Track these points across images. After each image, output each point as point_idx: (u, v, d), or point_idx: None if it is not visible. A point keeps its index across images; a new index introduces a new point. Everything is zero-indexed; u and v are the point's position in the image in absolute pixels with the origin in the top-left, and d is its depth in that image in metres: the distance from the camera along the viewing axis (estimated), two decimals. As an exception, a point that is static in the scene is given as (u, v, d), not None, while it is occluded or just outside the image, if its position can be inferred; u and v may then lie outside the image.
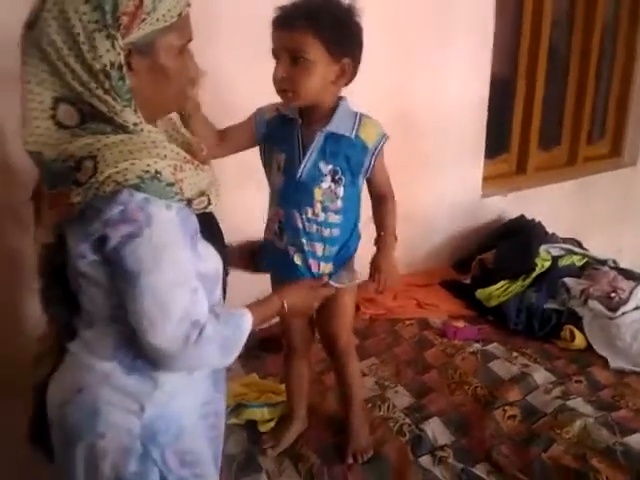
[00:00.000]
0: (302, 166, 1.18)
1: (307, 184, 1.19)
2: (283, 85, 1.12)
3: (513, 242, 2.17)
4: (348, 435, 1.38)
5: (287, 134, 1.20)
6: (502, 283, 2.05)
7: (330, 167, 1.19)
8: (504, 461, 1.34)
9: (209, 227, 0.98)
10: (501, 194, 2.57)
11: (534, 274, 2.04)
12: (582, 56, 2.88)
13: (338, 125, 1.18)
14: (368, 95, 1.86)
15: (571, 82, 2.90)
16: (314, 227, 1.21)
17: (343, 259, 1.27)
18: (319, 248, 1.23)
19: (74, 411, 0.97)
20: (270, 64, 1.13)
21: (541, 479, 1.29)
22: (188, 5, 0.87)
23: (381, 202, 1.31)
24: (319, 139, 1.17)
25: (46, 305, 1.03)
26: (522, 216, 2.46)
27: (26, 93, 0.83)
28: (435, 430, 1.45)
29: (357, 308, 2.06)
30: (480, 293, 2.07)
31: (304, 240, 1.21)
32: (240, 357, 1.33)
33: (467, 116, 2.37)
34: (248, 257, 1.31)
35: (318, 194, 1.19)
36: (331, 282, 1.22)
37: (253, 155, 1.28)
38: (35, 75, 0.82)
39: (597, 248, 2.46)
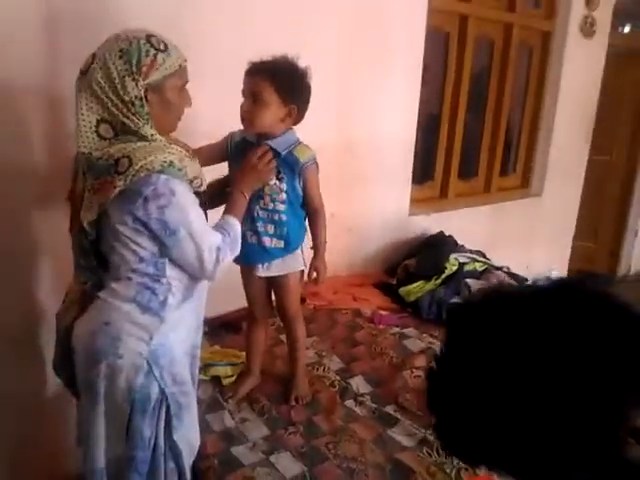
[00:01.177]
0: None
1: None
2: (245, 116, 1.53)
3: (430, 251, 2.67)
4: (292, 385, 1.79)
5: (246, 152, 1.54)
6: (419, 282, 2.53)
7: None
8: (407, 403, 1.78)
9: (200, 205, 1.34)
10: (425, 214, 3.05)
11: (444, 275, 2.53)
12: (496, 103, 3.40)
13: (277, 144, 1.54)
14: (319, 129, 2.31)
15: (487, 124, 3.42)
16: (265, 214, 1.59)
17: (291, 244, 1.63)
18: (270, 228, 1.60)
19: (102, 338, 1.30)
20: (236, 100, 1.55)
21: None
22: (185, 60, 1.29)
23: (313, 215, 1.67)
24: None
25: (81, 274, 1.38)
26: (441, 232, 2.94)
27: (79, 116, 1.26)
28: (358, 384, 1.88)
29: (304, 300, 2.47)
30: (402, 290, 2.54)
31: (258, 224, 1.59)
32: (206, 334, 1.80)
33: (398, 148, 2.83)
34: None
35: (267, 189, 1.56)
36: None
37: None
38: (86, 104, 1.25)
39: (507, 263, 2.89)
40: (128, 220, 1.23)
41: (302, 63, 1.56)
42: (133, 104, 1.22)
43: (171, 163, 1.22)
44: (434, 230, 3.00)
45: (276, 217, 1.61)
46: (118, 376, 1.29)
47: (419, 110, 2.87)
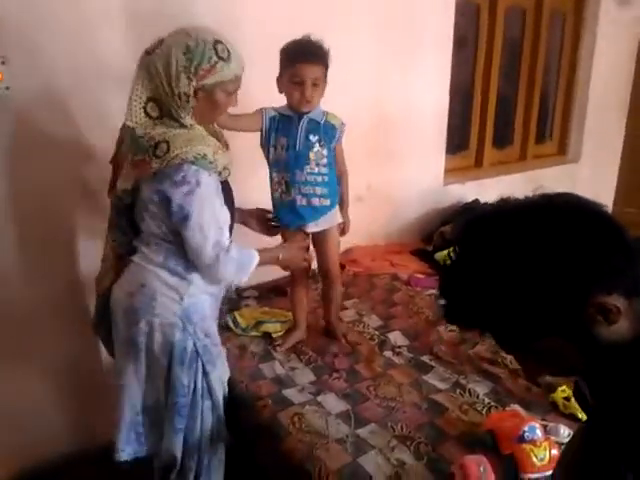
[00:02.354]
0: (299, 141, 1.75)
1: (304, 152, 1.76)
2: (310, 100, 1.70)
3: (465, 216, 2.77)
4: (332, 332, 2.02)
5: (286, 125, 1.76)
6: (452, 249, 2.65)
7: (317, 137, 1.77)
8: (442, 353, 1.92)
9: (226, 192, 1.47)
10: (460, 183, 3.15)
11: (478, 240, 2.64)
12: (530, 72, 3.43)
13: (316, 115, 1.76)
14: (354, 104, 2.46)
15: (521, 92, 3.47)
16: (312, 177, 1.78)
17: (334, 201, 1.87)
18: (317, 189, 1.80)
19: (140, 298, 1.45)
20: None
21: (467, 363, 1.88)
22: (242, 69, 1.39)
23: (342, 175, 1.93)
24: (304, 121, 1.75)
25: (112, 233, 1.53)
26: (477, 199, 3.04)
27: (134, 90, 1.36)
28: (396, 337, 2.03)
29: (343, 267, 2.63)
30: (438, 255, 2.66)
31: (307, 187, 1.79)
32: (256, 298, 2.15)
33: (431, 120, 2.93)
34: (263, 223, 1.84)
35: (312, 156, 1.77)
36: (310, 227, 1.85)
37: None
38: (142, 81, 1.36)
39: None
40: (156, 197, 1.37)
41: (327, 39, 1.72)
42: (180, 98, 1.33)
43: (204, 156, 1.34)
44: (469, 198, 3.09)
45: (320, 179, 1.80)
46: (156, 332, 1.46)
47: (452, 81, 2.95)
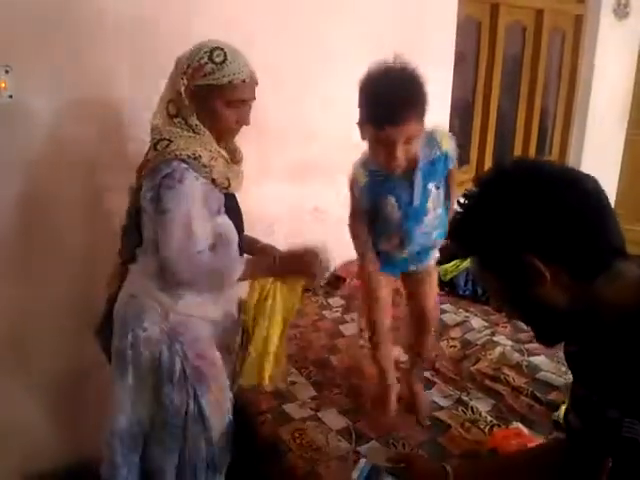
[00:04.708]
0: (415, 196, 1.41)
1: (421, 205, 1.43)
2: (399, 162, 1.31)
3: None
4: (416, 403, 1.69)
5: (386, 183, 1.41)
6: (455, 262, 2.65)
7: (434, 183, 1.43)
8: (444, 369, 1.91)
9: (232, 208, 1.45)
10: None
11: (479, 254, 2.64)
12: (530, 88, 3.47)
13: (427, 154, 1.39)
14: (355, 114, 2.45)
15: (521, 109, 3.49)
16: (430, 225, 1.47)
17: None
18: (434, 233, 1.51)
19: (130, 309, 1.42)
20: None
21: (468, 380, 1.87)
22: (242, 80, 1.34)
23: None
24: (418, 175, 1.39)
25: (122, 235, 1.50)
26: (477, 214, 3.06)
27: (164, 91, 1.42)
28: (399, 352, 2.02)
29: (344, 280, 2.64)
30: (441, 269, 2.66)
31: (425, 237, 1.49)
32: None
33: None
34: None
35: (430, 205, 1.44)
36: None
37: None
38: (168, 82, 1.41)
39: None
40: (148, 195, 1.34)
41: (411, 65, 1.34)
42: (180, 95, 1.35)
43: (197, 157, 1.32)
44: (469, 213, 3.09)
45: (437, 222, 1.50)
46: (143, 347, 1.41)
47: (453, 97, 2.96)
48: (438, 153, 1.42)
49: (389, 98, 1.26)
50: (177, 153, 1.31)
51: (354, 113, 2.33)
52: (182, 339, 1.42)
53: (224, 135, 1.44)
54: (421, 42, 2.71)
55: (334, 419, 1.63)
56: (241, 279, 1.42)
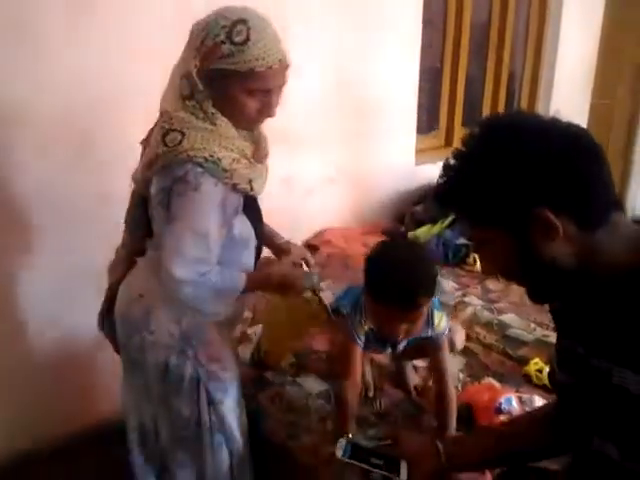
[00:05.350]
0: (398, 351, 1.47)
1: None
2: (401, 338, 1.34)
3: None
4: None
5: (380, 342, 1.43)
6: (427, 226, 2.69)
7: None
8: (417, 331, 1.96)
9: (251, 207, 1.28)
10: (431, 162, 3.17)
11: (449, 219, 2.68)
12: (497, 53, 3.46)
13: (418, 331, 1.35)
14: (323, 85, 2.44)
15: (489, 73, 3.49)
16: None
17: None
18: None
19: (136, 310, 1.28)
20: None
21: (441, 340, 1.92)
22: (269, 67, 1.10)
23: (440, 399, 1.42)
24: (403, 343, 1.42)
25: (128, 225, 1.36)
26: (447, 179, 3.09)
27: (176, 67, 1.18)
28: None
29: (317, 248, 2.66)
30: (410, 235, 2.69)
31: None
32: None
33: (401, 100, 2.92)
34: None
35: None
36: None
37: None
38: (181, 59, 1.17)
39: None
40: (158, 197, 1.19)
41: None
42: (190, 77, 1.14)
43: (215, 161, 1.13)
44: (440, 178, 3.11)
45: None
46: (150, 352, 1.29)
47: (422, 63, 2.95)
48: (430, 334, 1.39)
49: (402, 285, 1.19)
50: (191, 154, 1.12)
51: (321, 80, 2.30)
52: (195, 343, 1.29)
53: (245, 125, 1.24)
54: (389, 8, 2.69)
55: (313, 384, 1.66)
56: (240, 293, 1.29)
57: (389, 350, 1.50)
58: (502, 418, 1.37)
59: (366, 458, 1.10)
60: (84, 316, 1.92)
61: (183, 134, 1.13)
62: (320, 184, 2.72)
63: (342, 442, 1.14)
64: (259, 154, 1.28)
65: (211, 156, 1.12)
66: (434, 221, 2.70)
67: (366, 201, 2.97)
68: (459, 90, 3.32)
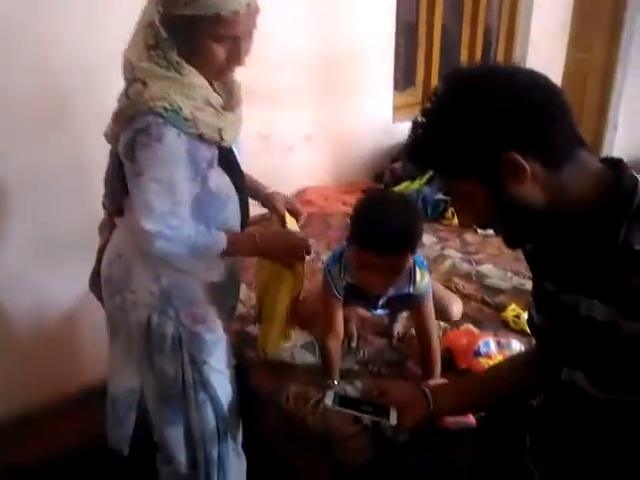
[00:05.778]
0: (378, 310, 1.51)
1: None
2: (381, 290, 1.37)
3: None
4: None
5: (361, 296, 1.43)
6: (406, 183, 2.70)
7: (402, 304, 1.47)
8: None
9: (228, 160, 1.25)
10: (409, 119, 3.15)
11: (427, 175, 2.69)
12: (473, 4, 3.43)
13: (398, 287, 1.37)
14: (296, 40, 2.39)
15: (465, 28, 3.49)
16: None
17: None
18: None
19: (116, 270, 1.29)
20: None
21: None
22: (235, 12, 1.06)
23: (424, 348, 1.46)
24: (383, 299, 1.43)
25: (107, 185, 1.32)
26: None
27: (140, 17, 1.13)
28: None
29: (300, 215, 2.65)
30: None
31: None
32: None
33: (377, 56, 2.89)
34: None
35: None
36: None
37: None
38: (145, 8, 1.13)
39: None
40: (123, 151, 1.16)
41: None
42: (152, 25, 1.10)
43: (176, 110, 1.10)
44: (418, 135, 3.11)
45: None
46: (132, 312, 1.29)
47: (397, 18, 2.91)
48: (412, 291, 1.39)
49: (388, 228, 1.20)
50: (151, 105, 1.08)
51: (296, 34, 2.26)
52: (176, 302, 1.28)
53: (214, 75, 1.20)
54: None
55: (298, 335, 1.69)
56: (223, 256, 1.26)
57: (372, 310, 1.54)
58: (481, 360, 1.42)
59: (355, 406, 1.12)
60: (65, 283, 1.96)
61: (145, 84, 1.11)
62: (299, 142, 2.71)
63: (330, 393, 1.16)
64: (230, 103, 1.25)
65: (171, 105, 1.10)
66: (413, 178, 2.71)
67: (345, 159, 2.97)
68: (435, 46, 3.29)
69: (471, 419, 1.23)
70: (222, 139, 1.19)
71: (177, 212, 1.16)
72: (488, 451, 1.10)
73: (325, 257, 2.21)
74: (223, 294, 1.38)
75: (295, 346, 1.63)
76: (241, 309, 1.84)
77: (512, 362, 1.23)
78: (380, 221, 1.21)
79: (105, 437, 1.53)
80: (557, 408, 0.97)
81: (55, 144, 1.88)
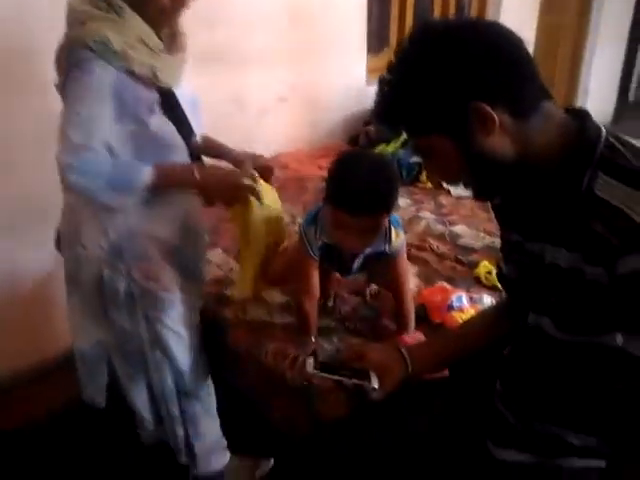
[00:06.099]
0: (353, 270, 1.50)
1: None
2: (356, 249, 1.38)
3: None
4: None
5: (335, 254, 1.44)
6: (381, 146, 2.71)
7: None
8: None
9: (171, 105, 1.26)
10: (383, 83, 3.18)
11: (402, 138, 2.71)
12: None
13: (374, 246, 1.37)
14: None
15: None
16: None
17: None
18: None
19: (67, 225, 1.31)
20: None
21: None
22: None
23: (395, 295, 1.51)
24: (360, 257, 1.44)
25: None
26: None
27: None
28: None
29: (272, 172, 2.65)
30: (365, 155, 2.72)
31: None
32: None
33: (350, 18, 2.88)
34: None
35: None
36: None
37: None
38: None
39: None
40: (61, 83, 1.18)
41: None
42: None
43: (105, 41, 1.12)
44: (391, 98, 3.11)
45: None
46: (84, 266, 1.30)
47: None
48: (387, 249, 1.39)
49: (364, 188, 1.18)
50: (84, 40, 1.11)
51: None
52: (126, 257, 1.28)
53: (158, 19, 1.19)
54: None
55: (275, 297, 1.71)
56: (152, 189, 1.19)
57: (346, 277, 1.57)
58: (454, 314, 1.46)
59: (336, 371, 1.12)
60: (33, 251, 1.93)
61: (83, 24, 1.13)
62: (272, 104, 2.68)
63: (310, 360, 1.14)
64: (171, 47, 1.25)
65: (99, 37, 1.11)
66: (388, 141, 2.72)
67: (319, 121, 2.97)
68: (408, 7, 3.26)
69: (445, 372, 1.27)
70: (157, 79, 1.19)
71: (92, 146, 1.13)
72: (461, 398, 1.14)
73: (301, 220, 2.22)
74: (181, 254, 1.36)
75: (272, 305, 1.65)
76: (218, 272, 1.86)
77: (483, 316, 1.27)
78: (353, 181, 1.19)
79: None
80: (525, 353, 1.01)
81: (20, 104, 1.82)
